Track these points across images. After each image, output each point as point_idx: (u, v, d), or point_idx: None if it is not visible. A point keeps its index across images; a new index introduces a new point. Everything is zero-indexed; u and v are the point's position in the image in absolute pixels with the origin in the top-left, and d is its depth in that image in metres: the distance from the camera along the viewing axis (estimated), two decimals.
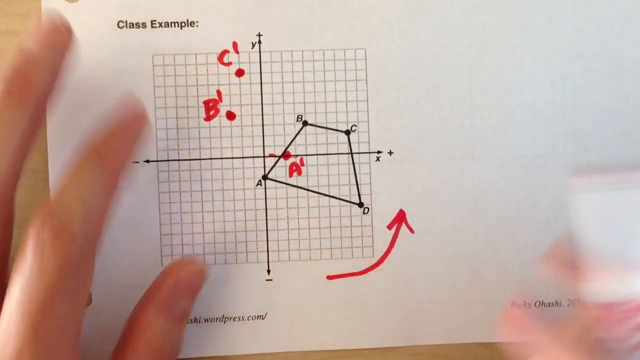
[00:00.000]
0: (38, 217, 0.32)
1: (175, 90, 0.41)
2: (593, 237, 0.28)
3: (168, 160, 0.41)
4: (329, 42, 0.41)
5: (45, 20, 0.37)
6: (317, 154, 0.41)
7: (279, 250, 0.41)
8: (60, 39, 0.36)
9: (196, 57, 0.41)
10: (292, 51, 0.41)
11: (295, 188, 0.41)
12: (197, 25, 0.41)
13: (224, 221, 0.41)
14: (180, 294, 0.38)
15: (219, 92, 0.41)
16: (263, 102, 0.41)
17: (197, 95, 0.41)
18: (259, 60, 0.41)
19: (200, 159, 0.41)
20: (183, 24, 0.41)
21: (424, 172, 0.42)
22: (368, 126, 0.41)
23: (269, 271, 0.41)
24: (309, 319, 0.41)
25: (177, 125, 0.41)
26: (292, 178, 0.41)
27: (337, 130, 0.41)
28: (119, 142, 0.36)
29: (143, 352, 0.36)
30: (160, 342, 0.37)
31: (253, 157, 0.41)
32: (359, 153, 0.42)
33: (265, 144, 0.41)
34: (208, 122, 0.41)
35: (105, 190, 0.35)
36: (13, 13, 0.41)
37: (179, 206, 0.41)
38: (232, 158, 0.41)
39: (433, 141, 0.42)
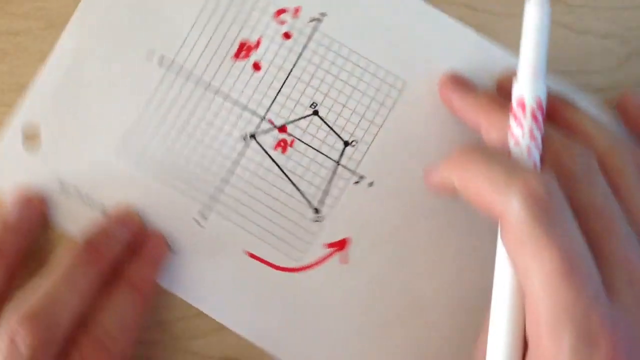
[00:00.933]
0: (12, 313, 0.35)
1: (224, 14, 0.41)
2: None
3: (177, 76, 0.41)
4: (378, 56, 0.41)
5: (20, 193, 0.40)
6: (308, 145, 0.41)
7: (223, 204, 0.41)
8: (33, 211, 0.41)
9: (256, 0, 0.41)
10: (342, 45, 0.41)
11: (271, 161, 0.41)
12: None
13: (192, 150, 0.41)
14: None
15: (259, 41, 0.41)
16: (291, 73, 0.41)
17: (239, 32, 0.41)
18: (309, 36, 0.41)
19: (207, 89, 0.41)
20: None
21: (388, 217, 0.41)
22: (367, 149, 0.41)
23: (204, 217, 0.41)
24: (212, 275, 0.41)
25: (205, 48, 0.41)
26: (275, 152, 0.41)
27: (338, 135, 0.41)
28: (145, 267, 0.40)
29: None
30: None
31: (253, 112, 0.41)
32: (344, 167, 0.41)
33: (270, 109, 0.41)
34: (233, 61, 0.41)
35: (138, 314, 0.39)
36: (13, 13, 0.41)
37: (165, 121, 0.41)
38: (235, 103, 0.41)
39: (415, 197, 0.41)
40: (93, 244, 0.39)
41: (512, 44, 0.41)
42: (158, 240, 0.41)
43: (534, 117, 0.34)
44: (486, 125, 0.36)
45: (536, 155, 0.34)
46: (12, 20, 0.41)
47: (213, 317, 0.41)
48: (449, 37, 0.41)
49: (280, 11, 0.41)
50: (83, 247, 0.38)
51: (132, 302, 0.39)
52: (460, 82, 0.40)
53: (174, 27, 0.41)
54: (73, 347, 0.36)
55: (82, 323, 0.37)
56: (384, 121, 0.41)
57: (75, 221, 0.41)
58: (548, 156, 0.34)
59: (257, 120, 0.41)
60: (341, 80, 0.41)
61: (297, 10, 0.41)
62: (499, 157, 0.33)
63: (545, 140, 0.34)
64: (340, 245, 0.41)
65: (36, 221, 0.41)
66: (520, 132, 0.34)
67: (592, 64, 0.42)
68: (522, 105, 0.34)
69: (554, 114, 0.37)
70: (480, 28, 0.42)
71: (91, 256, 0.38)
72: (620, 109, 0.41)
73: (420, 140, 0.41)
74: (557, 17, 0.42)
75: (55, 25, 0.41)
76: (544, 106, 0.34)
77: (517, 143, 0.34)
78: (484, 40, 0.41)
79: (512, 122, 0.34)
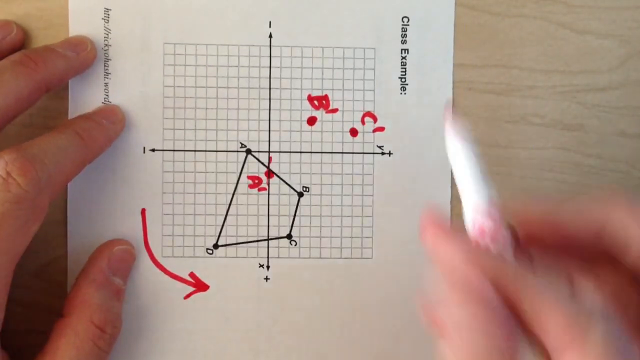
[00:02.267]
0: (9, 147, 0.34)
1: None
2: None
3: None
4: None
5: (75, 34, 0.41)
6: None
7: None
8: (83, 47, 0.40)
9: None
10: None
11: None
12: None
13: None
14: (113, 272, 0.39)
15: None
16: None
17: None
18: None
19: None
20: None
21: None
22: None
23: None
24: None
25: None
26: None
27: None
28: (96, 125, 0.39)
29: (85, 328, 0.37)
30: (102, 318, 0.38)
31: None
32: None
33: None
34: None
35: (77, 156, 0.37)
36: (13, 13, 0.41)
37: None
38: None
39: None
40: (31, 53, 0.38)
41: (512, 44, 0.42)
42: (114, 114, 0.40)
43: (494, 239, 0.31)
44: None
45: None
46: (12, 20, 0.41)
47: None
48: None
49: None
50: (21, 51, 0.38)
51: (74, 144, 0.37)
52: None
53: None
54: None
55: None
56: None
57: None
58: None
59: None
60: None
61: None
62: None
63: None
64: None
65: (85, 66, 0.40)
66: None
67: (592, 64, 0.42)
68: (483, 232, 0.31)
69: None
70: (480, 28, 0.41)
71: (25, 61, 0.37)
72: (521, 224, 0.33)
73: None
74: (557, 17, 0.42)
75: (55, 25, 0.41)
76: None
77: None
78: None
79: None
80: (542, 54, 0.42)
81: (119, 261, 0.40)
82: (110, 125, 0.40)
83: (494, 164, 0.42)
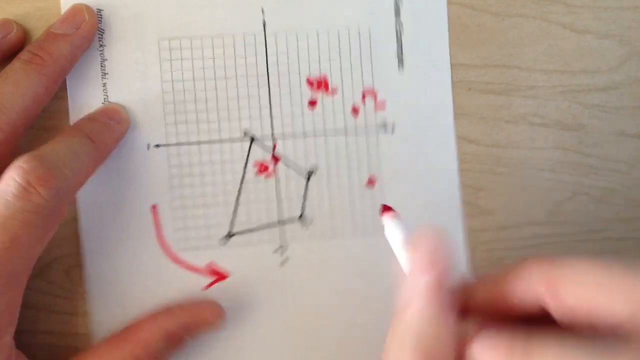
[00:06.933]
0: (27, 155, 0.34)
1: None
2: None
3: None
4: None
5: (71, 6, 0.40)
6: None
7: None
8: (81, 18, 0.39)
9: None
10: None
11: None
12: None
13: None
14: (188, 334, 0.40)
15: None
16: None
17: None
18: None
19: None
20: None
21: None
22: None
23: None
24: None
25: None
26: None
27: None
28: (104, 127, 0.39)
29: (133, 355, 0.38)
30: (150, 355, 0.38)
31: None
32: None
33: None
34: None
35: (91, 160, 0.37)
36: (13, 13, 0.41)
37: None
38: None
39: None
40: (35, 48, 0.38)
41: (512, 44, 0.42)
42: (118, 114, 0.40)
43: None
44: None
45: None
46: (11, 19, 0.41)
47: None
48: None
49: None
50: (27, 48, 0.38)
51: (87, 149, 0.37)
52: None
53: None
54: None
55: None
56: None
57: None
58: None
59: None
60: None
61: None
62: None
63: None
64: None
65: (89, 39, 0.40)
66: None
67: (592, 64, 0.42)
68: None
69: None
70: (480, 28, 0.41)
71: (32, 59, 0.38)
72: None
73: None
74: (557, 17, 0.42)
75: None
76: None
77: None
78: None
79: None
80: (542, 54, 0.42)
81: (198, 328, 0.40)
82: (116, 125, 0.40)
83: (494, 164, 0.42)
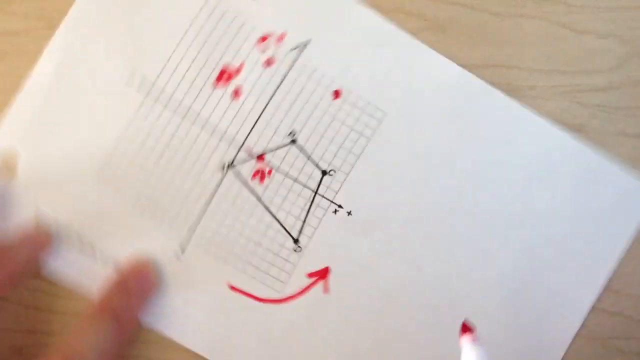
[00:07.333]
0: (57, 355, 0.35)
1: (208, 37, 0.41)
2: None
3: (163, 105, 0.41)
4: (359, 86, 0.41)
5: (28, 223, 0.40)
6: (286, 175, 0.41)
7: (202, 236, 0.41)
8: (37, 239, 0.40)
9: (240, 25, 0.41)
10: (324, 74, 0.41)
11: (249, 192, 0.41)
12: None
13: (170, 180, 0.41)
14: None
15: (241, 66, 0.41)
16: (270, 101, 0.41)
17: (222, 57, 0.41)
18: (291, 64, 0.41)
19: (184, 117, 0.41)
20: None
21: (366, 245, 0.41)
22: (345, 179, 0.41)
23: (182, 250, 0.41)
24: (194, 309, 0.41)
25: (187, 71, 0.41)
26: (253, 181, 0.41)
27: (316, 165, 0.41)
28: (132, 301, 0.39)
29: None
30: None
31: (231, 140, 0.41)
32: (322, 196, 0.41)
33: (248, 137, 0.41)
34: (213, 87, 0.41)
35: (117, 344, 0.37)
36: (13, 13, 0.41)
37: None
38: (213, 131, 0.41)
39: (392, 227, 0.41)
40: (107, 302, 0.39)
41: (512, 44, 0.41)
42: (147, 275, 0.41)
43: None
44: None
45: None
46: (12, 20, 0.41)
47: (196, 351, 0.41)
48: (431, 69, 0.41)
49: (264, 37, 0.40)
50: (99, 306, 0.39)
51: (113, 333, 0.38)
52: None
53: (158, 49, 0.40)
54: None
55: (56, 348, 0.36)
56: (362, 151, 0.41)
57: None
58: None
59: (234, 149, 0.41)
60: (322, 108, 0.41)
61: (282, 37, 0.40)
62: None
63: None
64: (322, 274, 0.41)
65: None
66: None
67: (592, 64, 0.42)
68: None
69: None
70: (480, 28, 0.41)
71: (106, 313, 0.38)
72: None
73: (398, 171, 0.41)
74: (557, 17, 0.41)
75: (55, 25, 0.41)
76: None
77: None
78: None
79: None
80: (542, 54, 0.42)
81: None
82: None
83: None
